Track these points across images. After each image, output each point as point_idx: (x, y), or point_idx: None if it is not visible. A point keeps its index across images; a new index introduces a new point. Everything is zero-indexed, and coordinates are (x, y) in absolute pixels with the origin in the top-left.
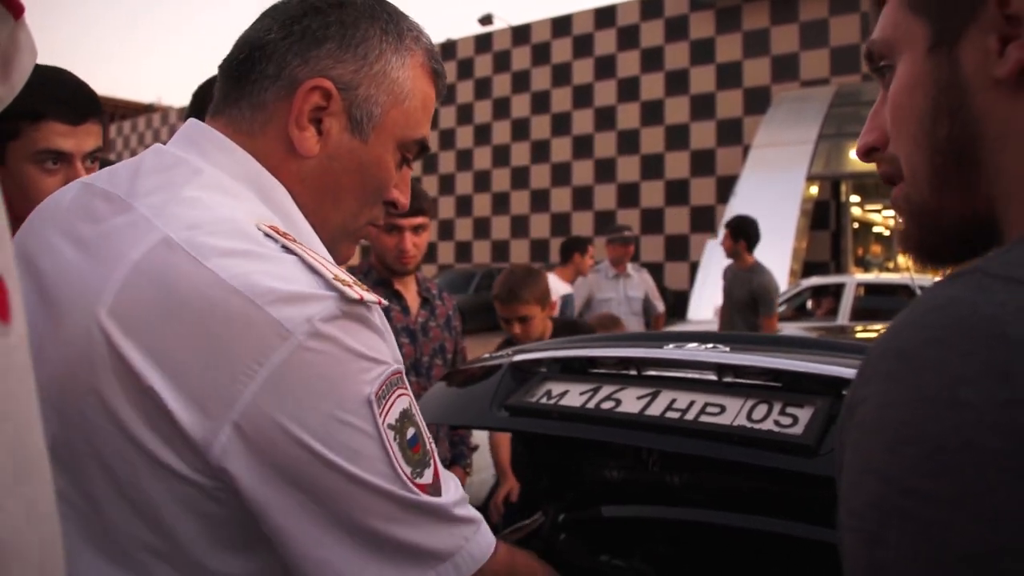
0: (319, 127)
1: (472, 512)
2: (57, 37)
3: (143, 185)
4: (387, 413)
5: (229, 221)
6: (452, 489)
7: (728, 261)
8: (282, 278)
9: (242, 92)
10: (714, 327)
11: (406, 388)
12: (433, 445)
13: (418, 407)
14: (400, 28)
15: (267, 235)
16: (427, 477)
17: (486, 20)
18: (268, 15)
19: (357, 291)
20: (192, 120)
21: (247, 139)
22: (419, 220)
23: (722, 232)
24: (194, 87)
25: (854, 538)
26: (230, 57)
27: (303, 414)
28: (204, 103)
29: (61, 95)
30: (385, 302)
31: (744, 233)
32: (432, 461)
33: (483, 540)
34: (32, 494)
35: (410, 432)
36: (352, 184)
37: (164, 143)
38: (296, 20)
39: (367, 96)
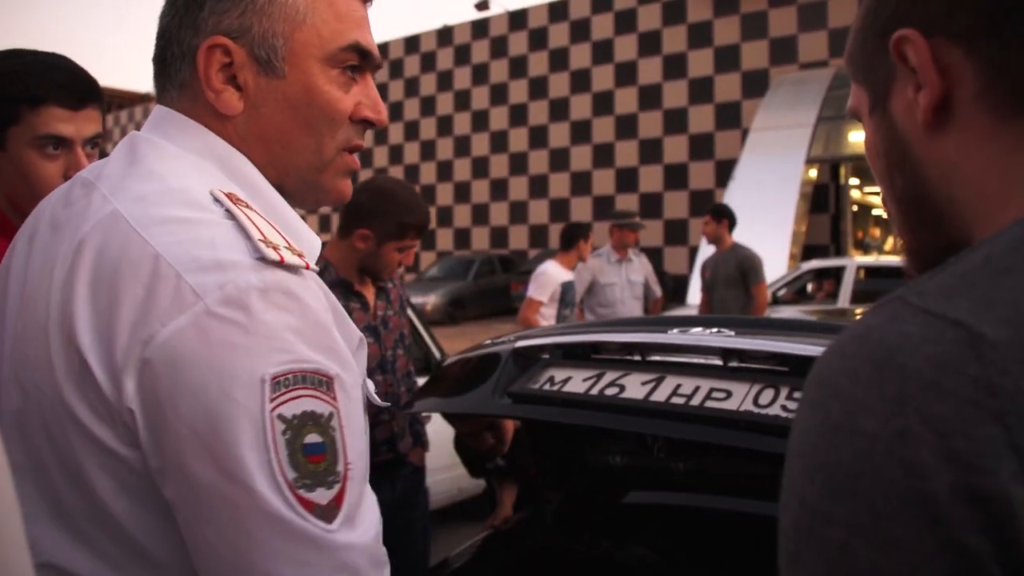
0: (235, 84)
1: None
2: (54, 26)
3: (110, 169)
4: (283, 404)
5: (179, 191)
6: (360, 529)
7: (706, 256)
8: (210, 245)
9: (167, 81)
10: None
11: (330, 397)
12: (357, 474)
13: (348, 427)
14: None
15: (216, 200)
16: (318, 495)
17: (483, 6)
18: (165, 5)
19: (280, 254)
20: (159, 106)
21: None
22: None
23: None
24: None
25: (782, 556)
26: (153, 56)
27: (190, 378)
28: None
29: (61, 80)
30: (315, 267)
31: (725, 214)
32: (339, 486)
33: None
34: None
35: (311, 438)
36: (292, 122)
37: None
38: None
39: (263, 32)
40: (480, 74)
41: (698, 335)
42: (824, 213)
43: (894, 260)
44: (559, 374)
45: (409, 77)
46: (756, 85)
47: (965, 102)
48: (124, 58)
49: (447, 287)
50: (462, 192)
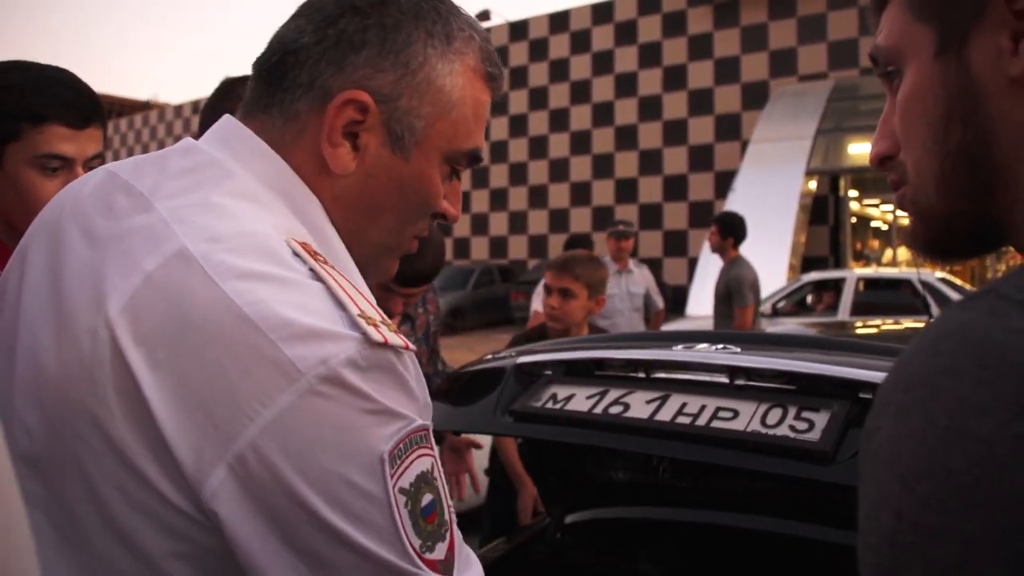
0: (355, 142)
1: None
2: (53, 33)
3: (169, 185)
4: (401, 475)
5: (254, 235)
6: (470, 568)
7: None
8: (302, 309)
9: (273, 99)
10: (712, 323)
11: (430, 447)
12: (453, 515)
13: (441, 471)
14: (449, 29)
15: (296, 254)
16: (439, 552)
17: (483, 16)
18: (303, 14)
19: (383, 333)
20: (228, 117)
21: (278, 150)
22: (418, 290)
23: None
24: (191, 84)
25: (872, 572)
26: (262, 58)
27: (305, 465)
28: (228, 97)
29: (66, 98)
30: (414, 347)
31: (733, 231)
32: (448, 534)
33: None
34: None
35: (426, 499)
36: (393, 202)
37: (195, 138)
38: (331, 22)
39: (409, 108)
40: None
41: (703, 352)
42: (823, 225)
43: (893, 272)
44: (562, 391)
45: None
46: (756, 97)
47: None
48: (124, 66)
49: (446, 297)
50: (462, 202)
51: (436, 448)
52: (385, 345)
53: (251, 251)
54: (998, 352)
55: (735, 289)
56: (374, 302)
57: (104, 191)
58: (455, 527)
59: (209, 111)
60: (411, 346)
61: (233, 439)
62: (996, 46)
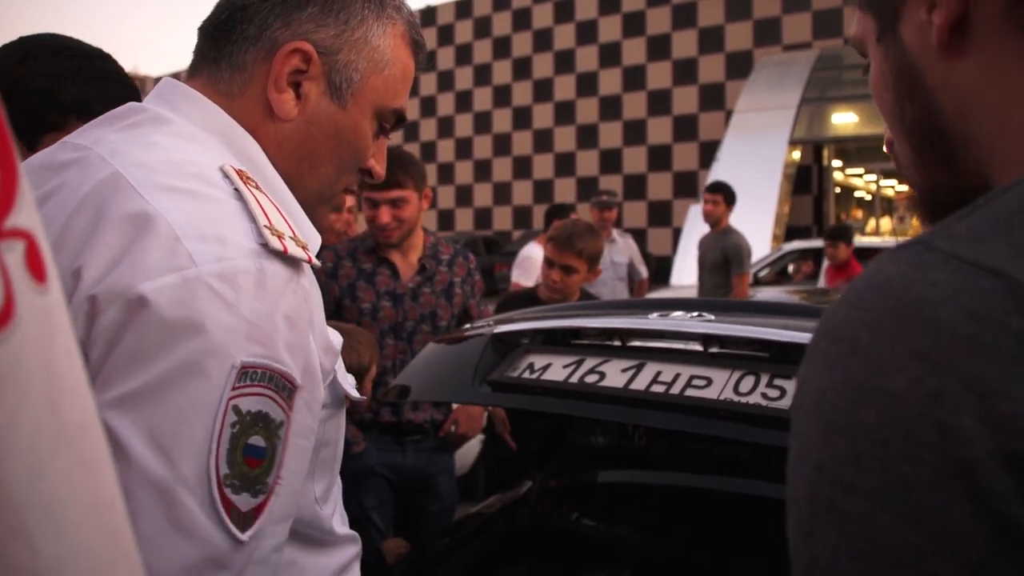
0: (298, 91)
1: None
2: (32, 4)
3: (110, 136)
4: (242, 395)
5: (184, 163)
6: (272, 547)
7: (705, 230)
8: (212, 219)
9: (221, 52)
10: (696, 293)
11: (287, 407)
12: (284, 492)
13: (294, 442)
14: None
15: (226, 175)
16: (243, 502)
17: None
18: None
19: (284, 244)
20: (166, 79)
21: (225, 100)
22: (395, 193)
23: (703, 197)
24: (172, 55)
25: (793, 528)
26: (211, 17)
27: (161, 338)
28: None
29: (116, 94)
30: (318, 263)
31: (734, 200)
32: (264, 500)
33: None
34: (80, 458)
35: (256, 439)
36: (329, 150)
37: None
38: None
39: (347, 61)
40: (464, 55)
41: (678, 320)
42: (807, 194)
43: (874, 241)
44: (539, 361)
45: None
46: (740, 66)
47: (987, 21)
48: (104, 36)
49: None
50: (446, 173)
51: (307, 421)
52: (283, 254)
53: (177, 173)
54: (917, 306)
55: (734, 257)
56: (303, 225)
57: (50, 153)
58: (277, 501)
59: None
60: (314, 260)
61: (99, 284)
62: (919, 21)
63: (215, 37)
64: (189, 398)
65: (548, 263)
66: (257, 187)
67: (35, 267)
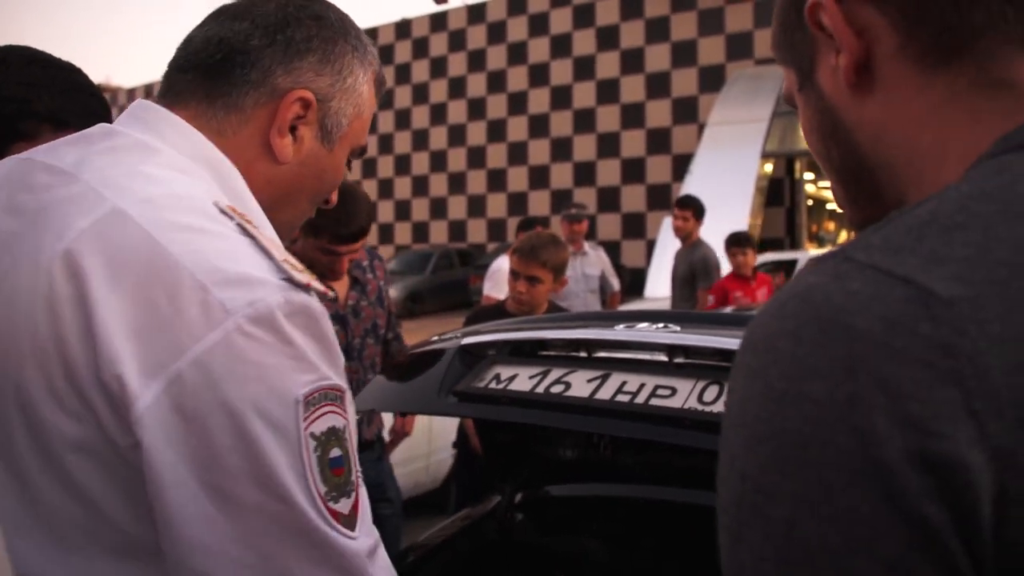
0: (294, 134)
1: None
2: (34, 22)
3: (95, 160)
4: (313, 422)
5: (185, 198)
6: (372, 536)
7: (676, 248)
8: (232, 258)
9: (216, 91)
10: (669, 305)
11: (344, 411)
12: (362, 484)
13: (354, 437)
14: (364, 43)
15: (223, 212)
16: (343, 506)
17: (441, 0)
18: (244, 18)
19: (306, 277)
20: (142, 101)
21: (217, 137)
22: (357, 245)
23: (673, 212)
24: (144, 67)
25: (723, 535)
26: (202, 52)
27: (225, 398)
28: None
29: (91, 107)
30: (332, 293)
31: (703, 214)
32: (354, 495)
33: None
34: None
35: (335, 452)
36: (311, 188)
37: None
38: (279, 29)
39: (338, 108)
40: (439, 68)
41: (644, 331)
42: (779, 207)
43: None
44: (505, 371)
45: None
46: (713, 80)
47: (887, 59)
48: (75, 48)
49: (405, 281)
50: (420, 186)
51: (352, 416)
52: (309, 287)
53: (183, 209)
54: (834, 314)
55: (701, 271)
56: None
57: (20, 172)
58: (363, 494)
59: None
60: (329, 291)
61: (164, 367)
62: (831, 66)
63: (209, 74)
64: (274, 444)
65: (514, 275)
66: (250, 221)
67: None
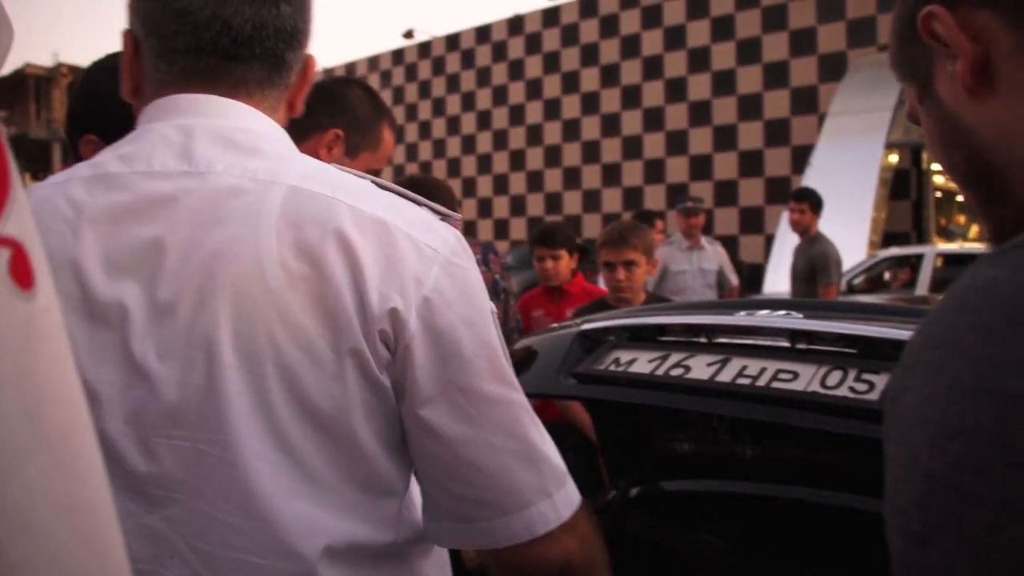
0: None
1: None
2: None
3: (292, 169)
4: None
5: (326, 168)
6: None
7: (794, 243)
8: (403, 209)
9: (279, 79)
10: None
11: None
12: None
13: None
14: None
15: (356, 176)
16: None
17: (407, 35)
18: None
19: (444, 210)
20: (226, 101)
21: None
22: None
23: (789, 206)
24: (96, 47)
25: (901, 538)
26: (266, 42)
27: (461, 314)
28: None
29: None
30: (460, 215)
31: (821, 207)
32: (511, 363)
33: (574, 487)
34: (56, 462)
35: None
36: None
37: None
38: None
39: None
40: (516, 71)
41: (765, 317)
42: (905, 200)
43: (977, 247)
44: (624, 356)
45: (423, 79)
46: (833, 69)
47: (1005, 59)
48: (19, 25)
49: (522, 276)
50: (535, 181)
51: None
52: (449, 217)
53: (336, 177)
54: None
55: (820, 266)
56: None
57: (293, 205)
58: None
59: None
60: (459, 215)
61: (413, 297)
62: (948, 73)
63: (272, 65)
64: (499, 345)
65: (608, 267)
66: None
67: (20, 274)
